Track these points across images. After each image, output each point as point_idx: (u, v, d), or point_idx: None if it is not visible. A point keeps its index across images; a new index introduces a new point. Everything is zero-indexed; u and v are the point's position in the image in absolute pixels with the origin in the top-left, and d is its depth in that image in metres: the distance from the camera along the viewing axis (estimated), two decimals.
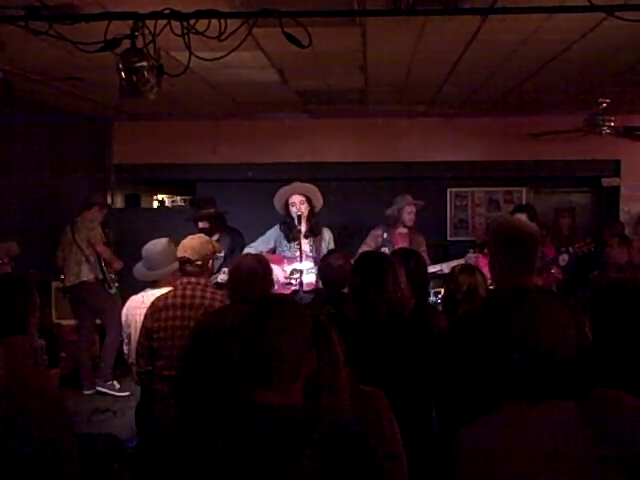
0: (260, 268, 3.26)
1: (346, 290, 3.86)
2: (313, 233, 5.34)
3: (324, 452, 1.51)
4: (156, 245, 4.05)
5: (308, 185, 5.46)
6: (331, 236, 5.42)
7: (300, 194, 5.35)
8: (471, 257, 5.68)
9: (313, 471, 1.49)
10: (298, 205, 5.28)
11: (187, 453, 1.61)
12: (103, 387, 6.17)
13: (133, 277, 4.21)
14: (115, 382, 6.24)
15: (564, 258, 5.45)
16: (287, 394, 1.62)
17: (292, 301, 1.90)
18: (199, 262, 3.59)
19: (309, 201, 5.33)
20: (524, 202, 8.35)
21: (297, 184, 5.48)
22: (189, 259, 3.59)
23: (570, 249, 5.45)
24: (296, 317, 1.71)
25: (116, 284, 6.39)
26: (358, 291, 2.84)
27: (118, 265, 6.40)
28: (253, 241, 5.54)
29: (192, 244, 3.66)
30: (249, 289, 3.15)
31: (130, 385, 6.19)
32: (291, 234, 5.27)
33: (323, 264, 3.93)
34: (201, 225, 6.40)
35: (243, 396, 1.65)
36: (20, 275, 3.02)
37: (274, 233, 5.44)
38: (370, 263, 2.94)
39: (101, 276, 6.28)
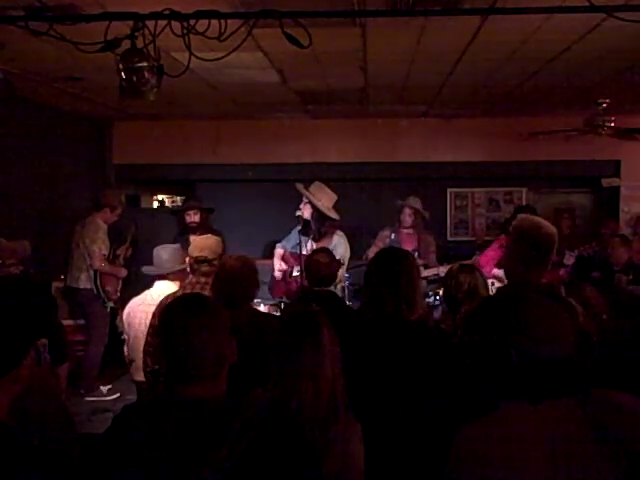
0: (244, 269, 3.21)
1: (332, 288, 3.90)
2: (320, 235, 5.36)
3: (243, 441, 1.56)
4: (164, 250, 4.13)
5: (313, 189, 5.48)
6: (340, 241, 5.38)
7: (305, 196, 5.39)
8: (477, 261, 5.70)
9: (233, 460, 1.54)
10: (302, 206, 5.33)
11: (115, 453, 1.67)
12: (91, 397, 6.11)
13: (135, 281, 4.24)
14: (102, 387, 6.23)
15: (569, 257, 5.52)
16: (212, 388, 1.72)
17: (210, 300, 1.96)
18: (215, 261, 3.58)
19: (313, 204, 5.35)
20: (524, 202, 8.37)
21: (314, 185, 5.53)
22: (206, 258, 3.58)
23: (576, 251, 5.52)
24: (215, 315, 1.80)
25: (114, 297, 6.27)
26: (370, 287, 2.81)
27: (121, 274, 6.35)
28: (251, 241, 5.61)
29: (208, 243, 3.66)
30: (233, 290, 3.13)
31: (120, 386, 6.20)
32: (304, 231, 5.30)
33: (309, 261, 3.94)
34: (189, 219, 6.41)
35: (170, 392, 1.75)
36: (22, 275, 3.03)
37: (295, 231, 5.48)
38: (386, 258, 2.91)
39: (96, 292, 6.22)
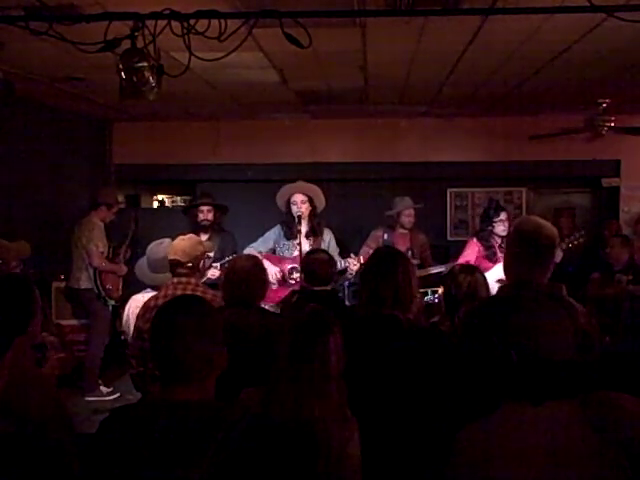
0: (255, 269, 3.24)
1: (329, 287, 3.89)
2: (314, 233, 5.33)
3: (229, 445, 1.56)
4: (159, 247, 4.04)
5: (311, 185, 5.46)
6: (332, 237, 5.40)
7: (302, 193, 5.34)
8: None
9: (218, 463, 1.54)
10: (299, 204, 5.28)
11: (103, 453, 1.67)
12: (91, 396, 6.10)
13: (136, 280, 4.19)
14: (102, 387, 6.23)
15: (558, 254, 5.45)
16: (198, 390, 1.72)
17: (203, 300, 1.95)
18: (189, 264, 3.57)
19: (311, 201, 5.33)
20: (524, 202, 8.38)
21: (300, 183, 5.48)
22: (179, 261, 3.57)
23: (562, 245, 5.44)
24: (204, 317, 1.79)
25: (116, 295, 6.26)
26: (367, 285, 2.82)
27: (122, 272, 6.34)
28: (252, 241, 5.54)
29: (182, 246, 3.63)
30: (245, 290, 3.14)
31: (120, 386, 6.18)
32: (291, 233, 5.27)
33: (307, 260, 3.92)
34: (202, 217, 6.04)
35: (158, 394, 1.76)
36: (20, 276, 3.01)
37: (273, 234, 5.44)
38: (382, 257, 2.92)
39: (96, 290, 6.21)
